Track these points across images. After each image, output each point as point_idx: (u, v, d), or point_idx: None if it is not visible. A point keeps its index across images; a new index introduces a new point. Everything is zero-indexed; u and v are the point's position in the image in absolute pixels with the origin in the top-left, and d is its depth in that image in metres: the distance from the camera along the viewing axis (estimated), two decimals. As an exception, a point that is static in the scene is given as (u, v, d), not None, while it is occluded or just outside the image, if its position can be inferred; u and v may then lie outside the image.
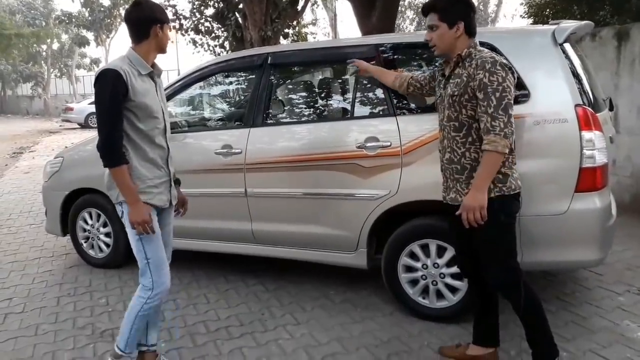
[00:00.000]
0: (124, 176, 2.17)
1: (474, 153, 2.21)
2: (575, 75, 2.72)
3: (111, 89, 2.12)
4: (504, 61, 2.15)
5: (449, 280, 2.89)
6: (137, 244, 2.28)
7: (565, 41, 2.76)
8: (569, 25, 2.81)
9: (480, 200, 2.11)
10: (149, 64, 2.28)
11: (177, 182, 2.58)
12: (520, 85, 2.70)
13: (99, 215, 4.07)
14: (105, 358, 2.61)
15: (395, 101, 3.02)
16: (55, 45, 37.82)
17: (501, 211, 2.17)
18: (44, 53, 37.18)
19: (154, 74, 2.33)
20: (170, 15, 12.52)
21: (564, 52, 2.74)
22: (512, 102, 2.10)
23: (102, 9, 33.16)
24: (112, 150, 2.16)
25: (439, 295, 2.94)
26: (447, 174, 2.33)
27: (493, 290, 2.40)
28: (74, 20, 32.71)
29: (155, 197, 2.31)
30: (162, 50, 2.32)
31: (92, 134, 4.65)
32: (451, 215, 2.29)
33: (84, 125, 21.48)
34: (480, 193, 2.12)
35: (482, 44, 2.86)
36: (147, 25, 2.23)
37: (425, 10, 2.30)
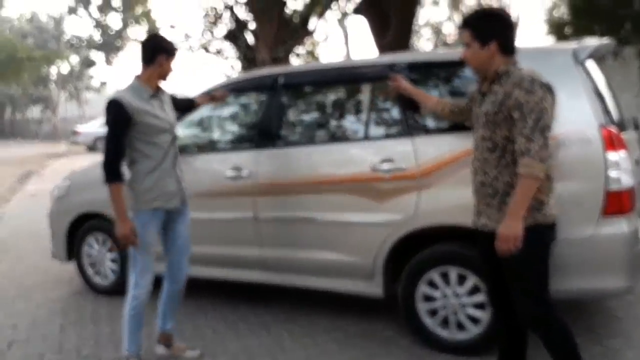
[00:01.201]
0: (118, 193, 2.60)
1: (507, 176, 2.14)
2: (599, 94, 2.70)
3: (113, 117, 2.60)
4: (544, 81, 2.09)
5: (470, 310, 2.84)
6: (131, 248, 2.71)
7: (587, 60, 2.76)
8: (591, 43, 2.81)
9: (515, 230, 2.05)
10: (152, 88, 2.73)
11: (193, 103, 3.32)
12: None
13: (105, 241, 4.09)
14: None
15: (411, 121, 3.02)
16: (66, 69, 38.71)
17: (534, 241, 2.10)
18: (54, 76, 38.06)
19: (157, 94, 2.76)
20: (180, 37, 12.83)
21: (586, 70, 2.73)
22: (549, 124, 2.05)
23: (111, 32, 34.01)
24: (111, 168, 2.59)
25: (460, 326, 2.88)
26: (479, 197, 2.27)
27: (523, 324, 2.33)
28: (85, 42, 33.56)
29: (167, 203, 2.76)
30: (164, 77, 2.78)
31: (100, 157, 4.71)
32: (481, 243, 2.24)
33: (92, 148, 21.84)
34: (515, 221, 2.05)
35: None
36: (154, 54, 2.68)
37: (461, 26, 2.29)
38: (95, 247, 4.14)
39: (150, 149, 2.68)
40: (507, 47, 2.18)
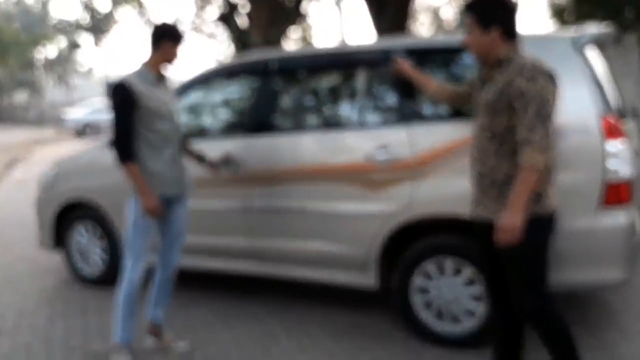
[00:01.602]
0: (134, 171, 2.68)
1: (505, 167, 2.12)
2: (598, 82, 2.69)
3: (119, 98, 2.68)
4: (547, 69, 2.07)
5: (465, 302, 2.84)
6: (130, 230, 2.78)
7: (587, 47, 2.74)
8: (590, 30, 2.79)
9: (515, 221, 2.03)
10: (158, 73, 2.82)
11: (204, 159, 3.19)
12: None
13: (94, 229, 4.07)
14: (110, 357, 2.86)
15: (406, 110, 3.00)
16: (53, 53, 38.32)
17: (533, 233, 2.09)
18: (41, 60, 37.66)
19: (162, 81, 2.85)
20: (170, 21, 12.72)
21: (586, 58, 2.72)
22: (551, 114, 2.03)
23: (99, 15, 33.68)
24: (123, 148, 2.68)
25: (455, 319, 2.89)
26: (477, 187, 2.26)
27: (519, 316, 2.33)
28: (72, 25, 33.20)
29: (167, 190, 2.82)
30: (169, 62, 2.85)
31: (88, 144, 4.67)
32: (478, 233, 2.24)
33: (80, 133, 21.68)
34: (515, 212, 2.04)
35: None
36: (160, 39, 2.78)
37: (465, 10, 2.26)
38: (84, 236, 4.12)
39: (151, 135, 2.74)
40: (510, 33, 2.15)
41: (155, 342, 3.04)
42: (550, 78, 2.05)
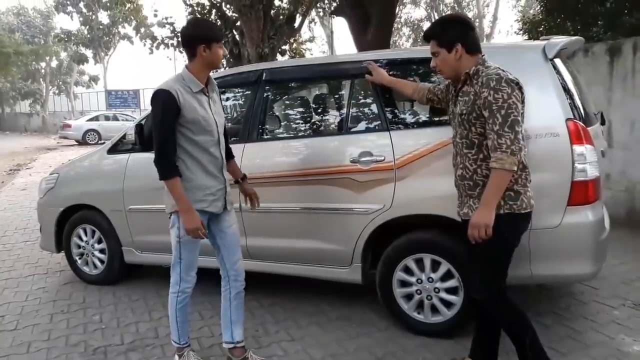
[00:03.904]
0: (177, 187, 2.36)
1: (485, 170, 2.19)
2: (567, 90, 2.75)
3: (163, 107, 2.33)
4: (511, 77, 2.12)
5: (443, 294, 2.88)
6: (176, 245, 2.52)
7: (556, 56, 2.80)
8: (560, 40, 2.85)
9: (486, 218, 2.10)
10: (201, 81, 2.45)
11: (245, 178, 2.86)
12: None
13: (93, 232, 4.07)
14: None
15: (388, 116, 3.05)
16: (54, 63, 38.10)
17: (507, 229, 2.16)
18: (42, 70, 37.44)
19: (206, 89, 2.49)
20: (168, 33, 12.70)
21: (555, 67, 2.78)
22: (519, 118, 2.08)
23: (100, 26, 33.54)
24: (165, 164, 2.36)
25: (434, 310, 2.93)
26: (461, 189, 2.33)
27: (475, 302, 2.39)
28: (72, 38, 33.05)
29: (211, 205, 2.51)
30: (213, 66, 2.49)
31: (89, 151, 4.67)
32: (464, 232, 2.26)
33: (82, 142, 21.52)
34: (488, 211, 2.10)
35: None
36: (193, 45, 2.40)
37: (426, 39, 2.33)
38: (83, 239, 4.12)
39: (192, 148, 2.42)
40: (472, 46, 2.22)
41: None
42: (516, 85, 2.11)
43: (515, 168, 2.07)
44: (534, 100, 2.71)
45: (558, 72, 2.78)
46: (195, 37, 2.39)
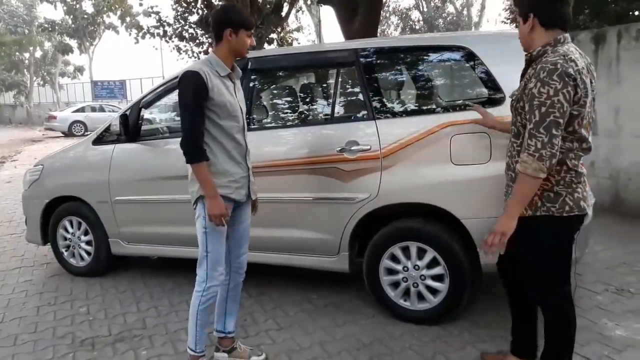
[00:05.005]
0: (204, 172, 2.29)
1: None
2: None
3: (192, 89, 2.25)
4: (570, 70, 1.82)
5: (429, 282, 2.91)
6: (202, 236, 2.41)
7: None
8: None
9: (504, 226, 1.93)
10: (228, 66, 2.40)
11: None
12: (496, 87, 2.77)
13: (79, 224, 4.04)
14: None
15: (375, 105, 3.05)
16: (38, 54, 37.50)
17: (545, 233, 1.98)
18: (26, 61, 36.83)
19: (232, 75, 2.44)
20: (153, 22, 12.56)
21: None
22: (560, 120, 1.82)
23: (85, 16, 33.03)
24: (193, 147, 2.28)
25: (420, 297, 2.96)
26: (506, 179, 2.15)
27: (534, 303, 2.26)
28: (57, 27, 32.54)
29: (235, 192, 2.43)
30: (238, 54, 2.42)
31: (74, 142, 4.62)
32: None
33: (68, 134, 21.28)
34: (508, 218, 1.93)
35: (458, 48, 2.96)
36: (219, 28, 2.36)
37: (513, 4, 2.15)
38: (69, 230, 4.09)
39: (218, 132, 2.34)
40: (549, 20, 1.94)
41: (229, 357, 2.67)
42: (571, 81, 1.82)
43: (542, 175, 1.85)
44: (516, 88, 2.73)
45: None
46: (224, 21, 2.35)
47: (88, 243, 4.04)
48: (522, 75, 2.07)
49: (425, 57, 3.17)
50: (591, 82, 1.95)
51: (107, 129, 3.92)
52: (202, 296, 2.44)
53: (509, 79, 2.74)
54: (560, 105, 1.81)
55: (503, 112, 2.67)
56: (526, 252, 2.07)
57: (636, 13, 7.29)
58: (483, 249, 2.03)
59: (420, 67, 3.26)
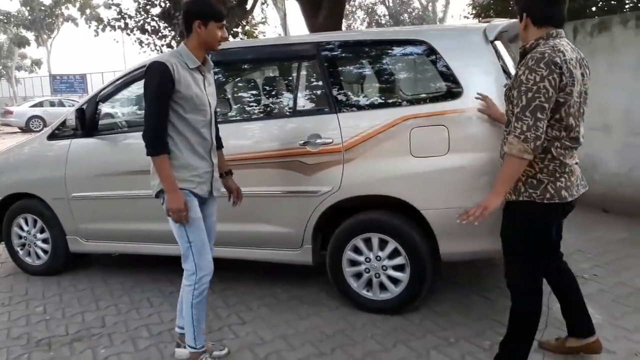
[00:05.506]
0: (165, 165, 2.25)
1: None
2: (507, 72, 2.84)
3: (158, 80, 2.21)
4: (557, 60, 1.92)
5: (391, 272, 2.95)
6: (179, 229, 2.36)
7: (496, 39, 2.88)
8: (500, 23, 2.94)
9: (488, 201, 2.03)
10: (198, 59, 2.35)
11: (230, 173, 2.73)
12: (454, 81, 2.81)
13: (35, 221, 3.91)
14: None
15: (337, 98, 3.06)
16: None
17: (524, 217, 2.08)
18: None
19: (203, 68, 2.39)
20: (114, 14, 12.22)
21: (496, 49, 2.86)
22: (545, 105, 1.92)
23: (42, 7, 31.90)
24: (155, 139, 2.25)
25: (382, 287, 3.00)
26: (500, 165, 2.21)
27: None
28: (12, 19, 31.32)
29: (197, 187, 2.39)
30: (208, 46, 2.36)
31: (29, 137, 4.46)
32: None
33: (25, 129, 20.55)
34: (494, 194, 2.03)
35: (418, 42, 2.99)
36: (189, 20, 2.31)
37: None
38: (25, 228, 3.96)
39: (182, 125, 2.31)
40: (540, 19, 2.06)
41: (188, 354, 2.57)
42: (556, 69, 1.92)
43: (527, 156, 1.95)
44: (475, 82, 2.78)
45: (499, 55, 2.86)
46: (193, 12, 2.30)
47: (44, 241, 3.92)
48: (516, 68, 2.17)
49: (386, 51, 3.19)
50: (583, 76, 2.07)
51: (63, 124, 3.80)
52: (195, 289, 2.39)
53: (468, 73, 2.80)
54: (545, 90, 1.91)
55: (461, 105, 2.73)
56: (506, 236, 2.17)
57: (593, 9, 7.53)
58: (460, 218, 2.11)
59: (381, 61, 3.28)
